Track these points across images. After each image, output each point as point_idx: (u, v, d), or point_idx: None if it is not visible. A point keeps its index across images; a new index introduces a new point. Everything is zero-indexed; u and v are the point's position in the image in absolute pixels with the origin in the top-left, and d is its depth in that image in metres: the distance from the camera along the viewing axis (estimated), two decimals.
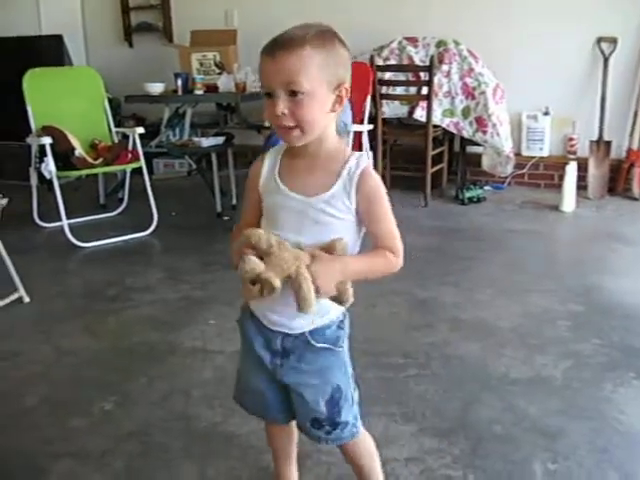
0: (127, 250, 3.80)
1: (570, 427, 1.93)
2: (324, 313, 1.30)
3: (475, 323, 2.68)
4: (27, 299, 2.97)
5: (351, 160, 1.24)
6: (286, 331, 1.31)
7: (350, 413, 1.38)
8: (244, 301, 1.38)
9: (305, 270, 1.16)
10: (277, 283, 1.15)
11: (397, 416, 2.00)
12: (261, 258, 1.18)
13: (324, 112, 1.20)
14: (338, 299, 1.23)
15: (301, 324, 1.29)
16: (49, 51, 5.53)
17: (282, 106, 1.16)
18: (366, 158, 1.27)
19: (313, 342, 1.31)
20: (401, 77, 4.73)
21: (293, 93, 1.15)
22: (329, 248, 1.21)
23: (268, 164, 1.30)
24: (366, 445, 1.49)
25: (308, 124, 1.18)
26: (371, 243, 1.27)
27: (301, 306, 1.16)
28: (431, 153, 4.59)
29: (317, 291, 1.16)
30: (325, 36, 1.18)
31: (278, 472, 1.63)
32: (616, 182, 4.82)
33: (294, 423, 1.47)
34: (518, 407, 2.05)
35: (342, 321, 1.35)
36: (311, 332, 1.30)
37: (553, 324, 2.66)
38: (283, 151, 1.30)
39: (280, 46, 1.14)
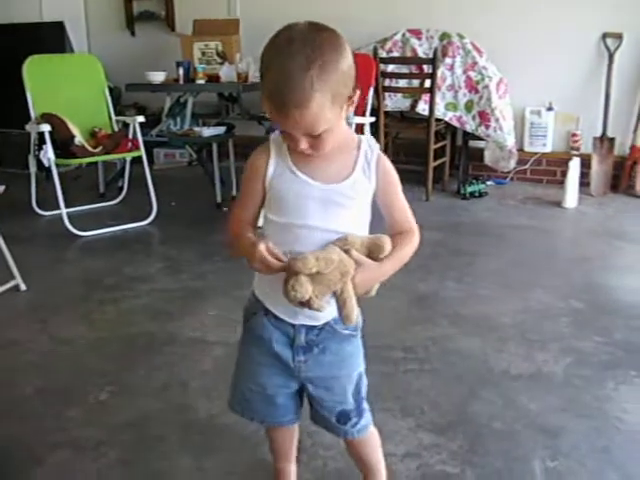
0: (126, 239, 3.78)
1: (571, 425, 1.91)
2: None
3: (476, 318, 2.66)
4: (24, 287, 2.95)
5: (363, 144, 1.27)
6: (310, 323, 1.29)
7: (365, 398, 1.40)
8: (251, 300, 1.36)
9: (350, 286, 1.19)
10: (324, 308, 1.20)
11: (395, 411, 1.98)
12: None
13: (340, 127, 1.21)
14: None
15: (327, 311, 1.25)
16: (50, 38, 5.49)
17: (304, 144, 1.17)
18: (374, 141, 1.30)
19: (339, 329, 1.30)
20: (404, 70, 4.70)
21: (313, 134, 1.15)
22: (376, 247, 1.22)
23: (275, 155, 1.27)
24: (375, 439, 1.49)
25: (328, 147, 1.19)
26: (388, 225, 1.30)
27: (345, 320, 1.21)
28: (433, 147, 4.56)
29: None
30: (328, 61, 1.10)
31: (278, 470, 1.61)
32: (619, 179, 4.79)
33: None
34: (518, 403, 2.03)
35: None
36: (335, 320, 1.29)
37: (555, 320, 2.64)
38: None
39: (291, 104, 1.09)
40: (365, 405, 1.40)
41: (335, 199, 1.23)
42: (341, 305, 1.19)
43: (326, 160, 1.23)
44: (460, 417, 1.96)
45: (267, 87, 1.12)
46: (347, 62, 1.15)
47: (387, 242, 1.23)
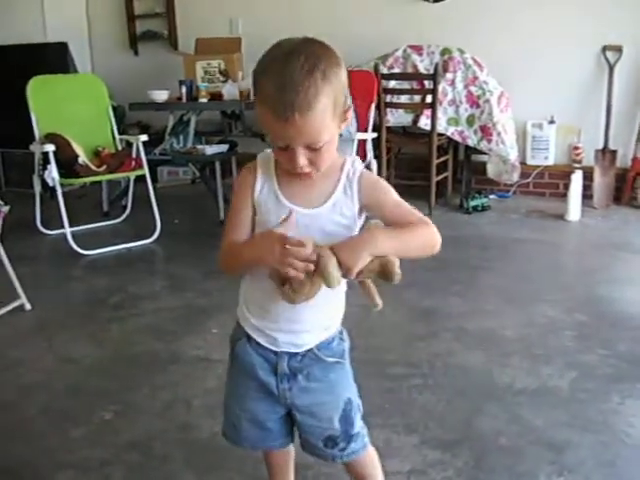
0: (130, 258, 3.79)
1: (577, 439, 1.90)
2: (328, 326, 1.28)
3: (480, 333, 2.66)
4: (29, 307, 2.96)
5: (347, 164, 1.21)
6: (293, 350, 1.26)
7: (359, 422, 1.36)
8: (235, 328, 1.34)
9: (326, 250, 1.09)
10: (301, 276, 1.10)
11: (399, 427, 1.97)
12: None
13: (335, 144, 1.16)
14: (384, 274, 1.16)
15: (309, 339, 1.25)
16: (54, 58, 5.52)
17: (302, 160, 1.11)
18: (359, 161, 1.24)
19: (323, 357, 1.27)
20: (405, 85, 4.72)
21: (314, 146, 1.11)
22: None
23: (262, 178, 1.22)
24: (372, 458, 1.45)
25: (326, 164, 1.16)
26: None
27: (327, 282, 1.09)
28: (435, 162, 4.57)
29: (345, 270, 1.10)
30: (330, 67, 1.08)
31: None
32: (622, 191, 4.79)
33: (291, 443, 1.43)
34: (523, 418, 2.02)
35: (342, 332, 1.33)
36: (318, 347, 1.27)
37: (559, 334, 2.63)
38: (275, 163, 1.21)
39: (296, 109, 1.04)
40: (356, 430, 1.34)
41: (318, 224, 1.18)
42: (320, 269, 1.09)
43: (310, 184, 1.19)
44: (465, 433, 1.95)
45: (264, 91, 1.07)
46: (344, 73, 1.12)
47: (376, 223, 1.17)
